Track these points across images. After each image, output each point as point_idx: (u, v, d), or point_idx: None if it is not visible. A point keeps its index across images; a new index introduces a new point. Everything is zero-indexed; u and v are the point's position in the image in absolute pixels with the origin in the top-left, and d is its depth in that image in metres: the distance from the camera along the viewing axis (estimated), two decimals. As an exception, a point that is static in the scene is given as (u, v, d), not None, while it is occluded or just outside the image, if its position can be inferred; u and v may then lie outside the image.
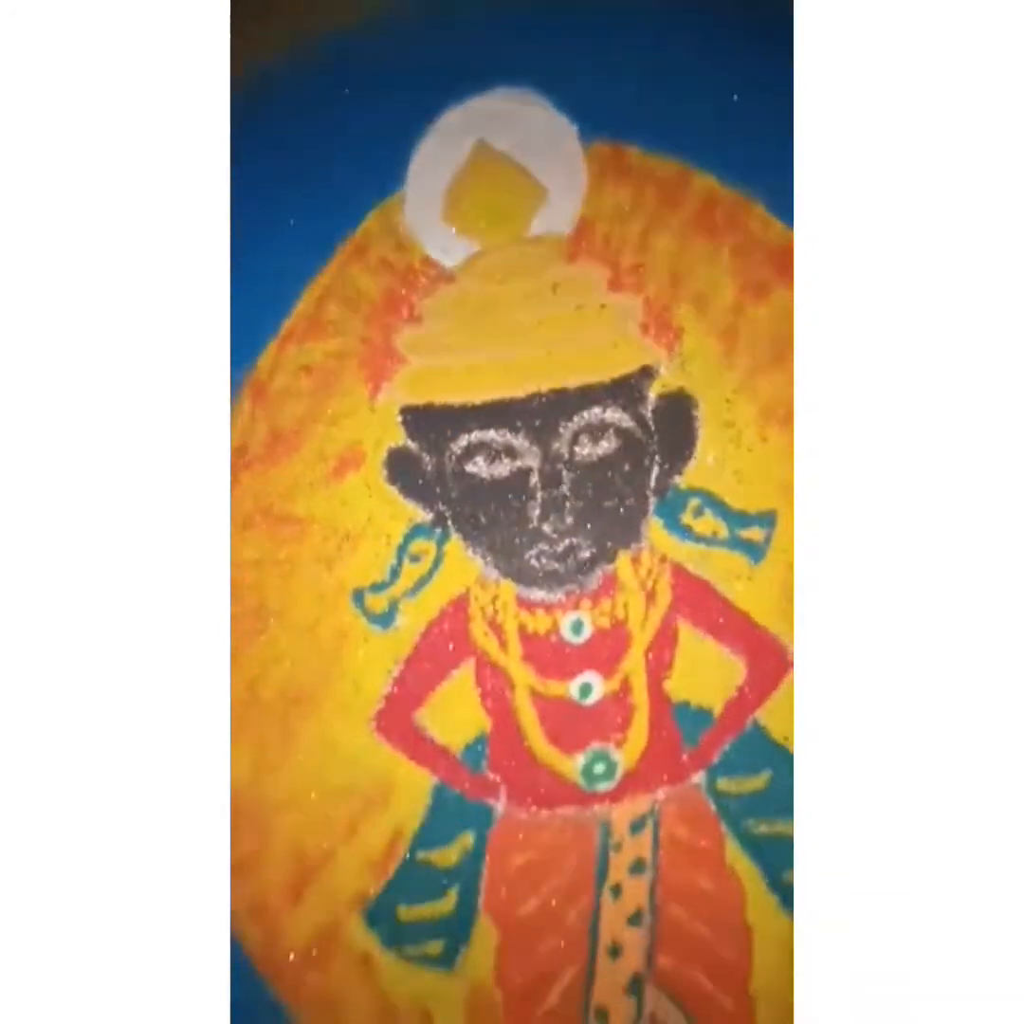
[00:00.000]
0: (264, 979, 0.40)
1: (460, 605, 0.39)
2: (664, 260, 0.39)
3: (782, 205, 0.39)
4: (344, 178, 0.40)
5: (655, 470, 0.39)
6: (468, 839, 0.39)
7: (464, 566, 0.39)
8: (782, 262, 0.39)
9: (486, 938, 0.39)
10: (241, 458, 0.40)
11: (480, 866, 0.39)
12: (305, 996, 0.40)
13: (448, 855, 0.39)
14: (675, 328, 0.39)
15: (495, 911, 0.39)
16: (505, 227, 0.40)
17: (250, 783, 0.40)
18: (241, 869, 0.39)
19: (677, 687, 0.38)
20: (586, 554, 0.39)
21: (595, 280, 0.39)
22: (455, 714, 0.39)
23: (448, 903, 0.39)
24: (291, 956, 0.40)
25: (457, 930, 0.39)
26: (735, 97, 0.39)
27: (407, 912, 0.39)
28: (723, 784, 0.38)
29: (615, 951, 0.39)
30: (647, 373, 0.39)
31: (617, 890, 0.39)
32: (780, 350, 0.39)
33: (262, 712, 0.40)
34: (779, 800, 0.38)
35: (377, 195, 0.39)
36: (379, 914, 0.39)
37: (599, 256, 0.39)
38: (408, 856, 0.39)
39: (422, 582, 0.39)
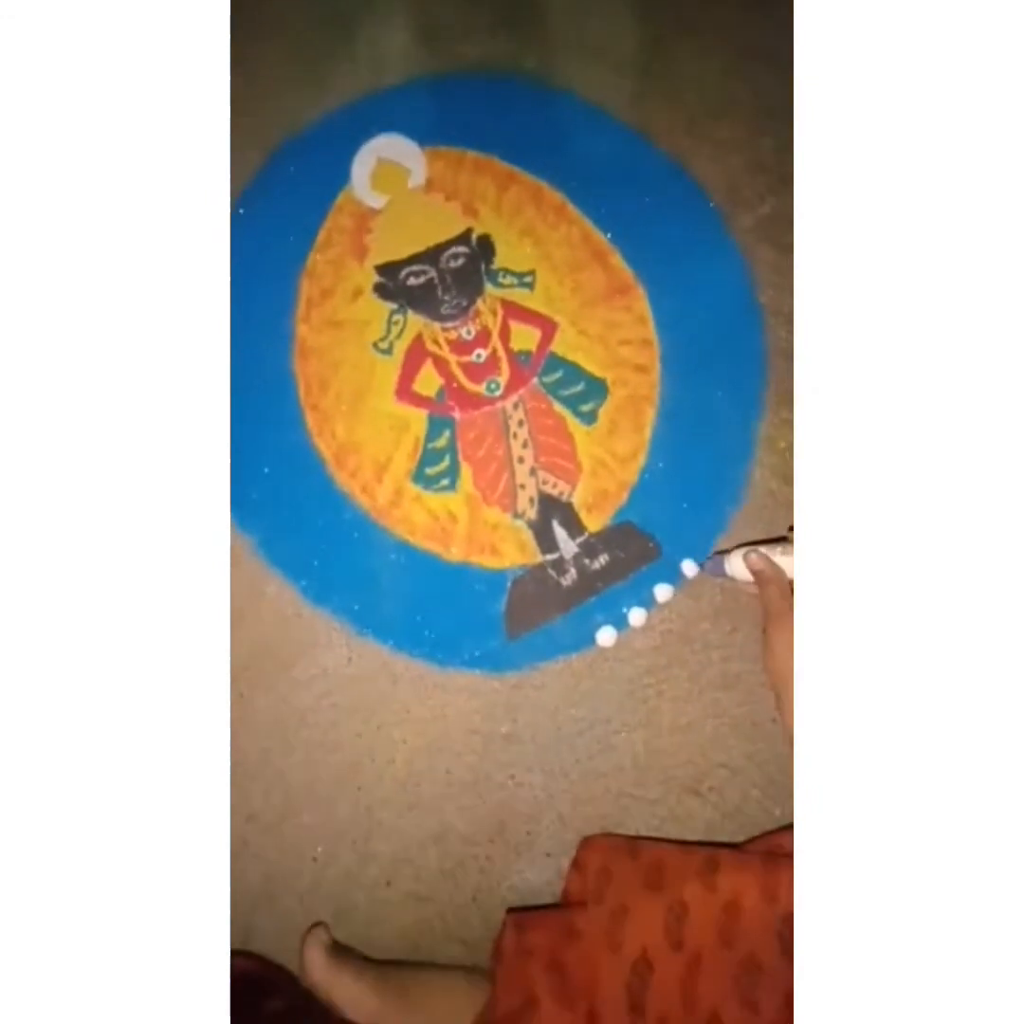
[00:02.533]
0: (368, 516, 0.88)
1: (419, 339, 0.91)
2: (466, 185, 0.94)
3: (511, 157, 0.95)
4: (326, 178, 0.93)
5: (483, 265, 0.93)
6: (447, 433, 0.90)
7: (416, 322, 0.92)
8: (508, 179, 0.95)
9: (466, 472, 0.89)
10: (310, 301, 0.91)
11: (455, 441, 0.89)
12: (390, 520, 0.88)
13: (440, 442, 0.89)
14: (476, 210, 0.94)
15: (467, 458, 0.89)
16: (396, 187, 0.94)
17: (347, 437, 0.89)
18: (353, 475, 0.88)
19: (515, 346, 0.92)
20: (464, 303, 0.92)
21: (438, 200, 0.94)
22: (427, 382, 0.91)
23: (446, 463, 0.89)
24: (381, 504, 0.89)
25: (453, 472, 0.89)
26: (475, 116, 0.96)
27: (430, 470, 0.89)
28: (545, 380, 0.91)
29: (521, 460, 0.90)
30: (470, 230, 0.94)
31: (515, 435, 0.90)
32: (517, 213, 0.94)
33: (343, 404, 0.90)
34: (567, 381, 0.91)
35: (341, 184, 0.93)
36: (418, 475, 0.88)
37: (437, 190, 0.94)
38: (424, 447, 0.90)
39: (400, 333, 0.91)
